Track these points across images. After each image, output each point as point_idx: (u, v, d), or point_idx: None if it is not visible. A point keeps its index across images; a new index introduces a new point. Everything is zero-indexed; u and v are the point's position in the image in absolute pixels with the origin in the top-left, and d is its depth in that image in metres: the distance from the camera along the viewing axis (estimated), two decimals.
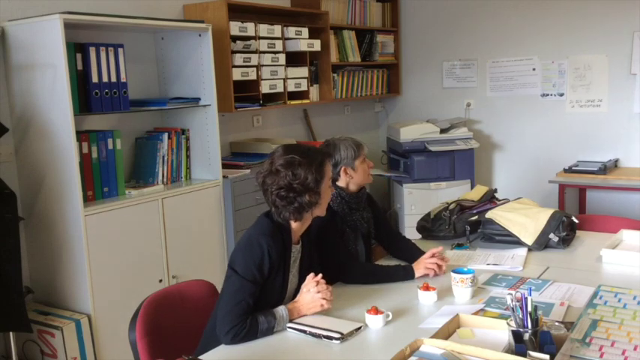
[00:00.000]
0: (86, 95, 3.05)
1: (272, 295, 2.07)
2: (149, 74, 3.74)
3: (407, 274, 2.43)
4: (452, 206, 3.02)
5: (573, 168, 4.66)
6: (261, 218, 2.12)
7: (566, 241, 2.79)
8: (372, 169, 2.75)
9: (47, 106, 2.94)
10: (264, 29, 4.11)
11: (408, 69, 5.78)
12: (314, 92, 4.73)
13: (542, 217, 2.79)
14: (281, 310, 2.01)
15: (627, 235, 2.83)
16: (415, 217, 3.31)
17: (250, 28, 3.99)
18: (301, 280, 2.15)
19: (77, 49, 3.01)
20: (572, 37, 4.96)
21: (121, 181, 3.24)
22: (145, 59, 3.71)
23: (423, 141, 4.92)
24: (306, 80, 4.47)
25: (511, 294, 1.75)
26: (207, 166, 3.71)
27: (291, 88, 4.34)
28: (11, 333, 2.91)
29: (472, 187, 4.73)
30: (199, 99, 3.66)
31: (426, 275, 2.43)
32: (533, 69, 5.17)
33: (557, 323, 1.80)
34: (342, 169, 2.62)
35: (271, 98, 4.25)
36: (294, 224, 2.12)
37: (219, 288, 2.14)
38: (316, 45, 4.49)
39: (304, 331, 1.96)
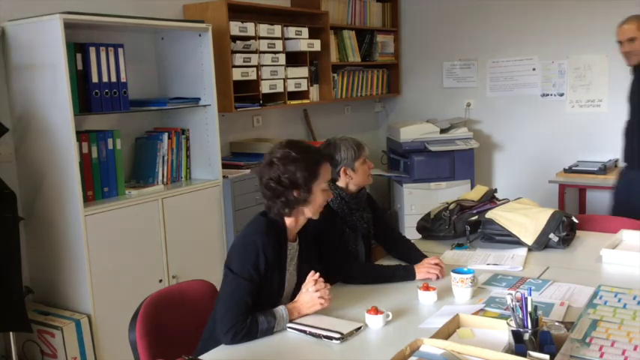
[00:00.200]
0: (86, 95, 3.05)
1: (270, 293, 2.07)
2: (149, 74, 3.74)
3: (407, 275, 2.43)
4: (452, 206, 3.01)
5: (573, 168, 4.65)
6: (256, 217, 2.14)
7: (566, 241, 2.79)
8: (372, 169, 2.75)
9: (47, 106, 2.94)
10: (264, 29, 4.11)
11: (408, 69, 5.78)
12: (314, 92, 4.73)
13: (542, 217, 2.79)
14: (281, 309, 2.01)
15: (627, 235, 2.82)
16: (415, 217, 3.31)
17: (250, 28, 3.99)
18: (300, 278, 2.16)
19: (77, 49, 3.01)
20: (572, 37, 4.96)
21: (121, 181, 3.24)
22: (145, 59, 3.71)
23: (423, 141, 4.92)
24: (306, 80, 4.47)
25: (511, 294, 1.75)
26: (207, 166, 3.71)
27: (291, 88, 4.35)
28: (11, 333, 2.91)
29: (472, 187, 4.73)
30: (199, 99, 3.66)
31: (427, 278, 2.43)
32: (533, 69, 5.17)
33: (557, 323, 1.79)
34: (342, 169, 2.62)
35: (271, 98, 4.25)
36: (288, 221, 2.12)
37: (219, 288, 2.14)
38: (316, 45, 4.49)
39: (304, 331, 1.96)
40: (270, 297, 2.07)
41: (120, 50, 3.19)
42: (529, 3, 5.08)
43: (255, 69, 4.04)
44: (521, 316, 1.68)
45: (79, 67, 3.02)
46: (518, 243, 2.78)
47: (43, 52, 2.90)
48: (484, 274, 2.45)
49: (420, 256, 2.58)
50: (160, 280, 3.31)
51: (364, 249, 2.70)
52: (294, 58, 4.46)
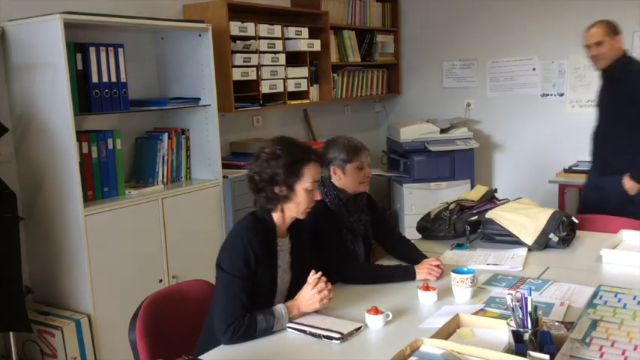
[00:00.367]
0: (86, 95, 3.05)
1: (263, 289, 2.06)
2: (149, 74, 3.74)
3: (407, 275, 2.43)
4: (452, 206, 3.01)
5: (573, 168, 4.65)
6: (244, 216, 2.14)
7: (566, 241, 2.79)
8: (372, 171, 2.72)
9: (47, 106, 2.94)
10: (264, 29, 4.11)
11: (408, 69, 5.78)
12: (314, 92, 4.73)
13: (542, 217, 2.79)
14: (280, 308, 2.00)
15: (627, 235, 2.82)
16: (415, 217, 3.31)
17: (250, 28, 3.99)
18: (294, 275, 2.15)
19: (77, 49, 3.01)
20: (572, 37, 4.94)
21: (121, 181, 3.24)
22: (145, 59, 3.71)
23: (423, 141, 4.92)
24: (306, 80, 4.47)
25: (511, 294, 1.75)
26: (207, 166, 3.71)
27: (291, 88, 4.35)
28: (11, 333, 2.91)
29: (472, 187, 4.73)
30: (199, 99, 3.66)
31: (428, 279, 2.43)
32: (533, 69, 5.17)
33: (557, 323, 1.79)
34: (332, 168, 2.61)
35: (271, 98, 4.25)
36: (275, 217, 2.12)
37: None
38: (316, 45, 4.49)
39: (304, 331, 1.96)
40: (263, 293, 2.06)
41: (120, 50, 3.19)
42: (529, 3, 5.08)
43: (255, 69, 4.04)
44: (521, 316, 1.68)
45: (79, 67, 3.02)
46: (518, 243, 2.78)
47: (43, 52, 2.90)
48: (484, 274, 2.45)
49: (420, 257, 2.58)
50: (160, 280, 3.31)
51: (363, 250, 2.70)
52: (294, 58, 4.45)
